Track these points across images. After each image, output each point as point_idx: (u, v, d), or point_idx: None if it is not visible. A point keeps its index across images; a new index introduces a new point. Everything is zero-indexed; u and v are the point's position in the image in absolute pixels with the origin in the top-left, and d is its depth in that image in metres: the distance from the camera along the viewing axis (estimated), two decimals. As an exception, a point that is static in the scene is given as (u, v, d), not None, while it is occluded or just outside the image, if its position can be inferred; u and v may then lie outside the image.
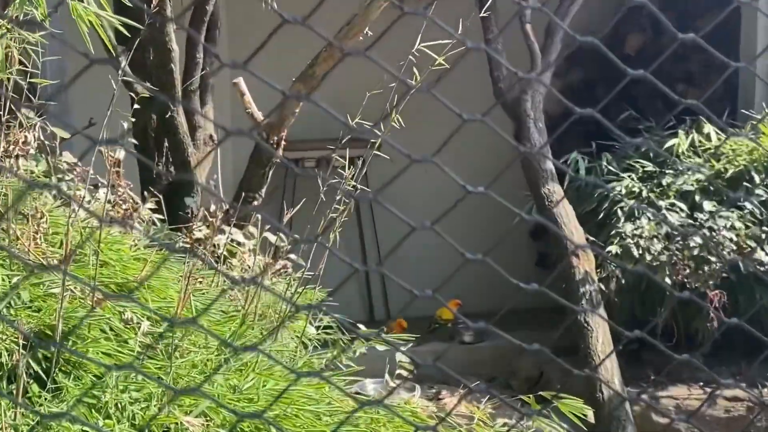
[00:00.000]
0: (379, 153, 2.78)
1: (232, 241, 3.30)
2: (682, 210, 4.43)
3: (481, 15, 3.89)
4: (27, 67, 2.18)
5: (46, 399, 1.93)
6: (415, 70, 3.04)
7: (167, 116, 3.74)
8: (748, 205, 4.39)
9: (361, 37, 3.54)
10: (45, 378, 1.97)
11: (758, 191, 4.43)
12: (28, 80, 2.15)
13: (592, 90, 5.57)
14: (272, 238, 3.41)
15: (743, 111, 4.94)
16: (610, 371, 4.16)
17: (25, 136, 2.04)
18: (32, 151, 2.19)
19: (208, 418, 1.98)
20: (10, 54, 2.00)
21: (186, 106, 3.80)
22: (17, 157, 2.05)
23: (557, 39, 4.87)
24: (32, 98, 2.58)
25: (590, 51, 5.86)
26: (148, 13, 3.06)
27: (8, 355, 1.94)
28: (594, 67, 5.63)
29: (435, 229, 0.91)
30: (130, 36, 3.24)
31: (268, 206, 4.71)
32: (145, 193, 3.56)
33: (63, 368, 2.00)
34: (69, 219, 2.08)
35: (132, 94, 3.38)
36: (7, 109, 2.05)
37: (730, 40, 5.36)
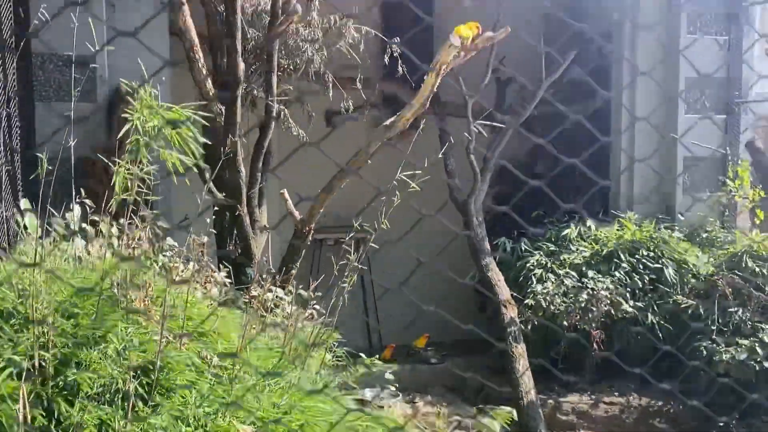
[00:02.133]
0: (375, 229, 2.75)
1: (277, 296, 3.26)
2: (574, 276, 4.40)
3: (442, 153, 3.93)
4: (142, 188, 2.18)
5: (147, 412, 1.88)
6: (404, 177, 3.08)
7: (236, 214, 3.74)
8: (617, 274, 4.37)
9: (365, 163, 3.58)
10: (147, 398, 1.92)
11: (623, 264, 4.41)
12: (143, 198, 2.15)
13: (514, 197, 5.59)
14: (304, 293, 3.37)
15: (612, 211, 4.96)
16: (528, 384, 4.08)
17: (140, 235, 2.03)
18: (144, 244, 2.17)
19: (257, 426, 1.92)
20: (129, 182, 2.01)
21: (248, 208, 3.79)
22: (134, 248, 2.04)
23: (491, 164, 4.92)
24: (146, 207, 2.58)
25: (511, 171, 5.97)
26: (224, 146, 3.09)
27: (122, 381, 1.89)
28: (515, 182, 5.67)
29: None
30: (212, 157, 3.27)
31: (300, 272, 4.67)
32: (220, 265, 3.54)
33: (159, 391, 1.95)
34: (167, 288, 2.05)
35: (214, 200, 3.39)
36: (128, 215, 2.05)
37: (602, 164, 5.42)
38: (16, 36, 3.72)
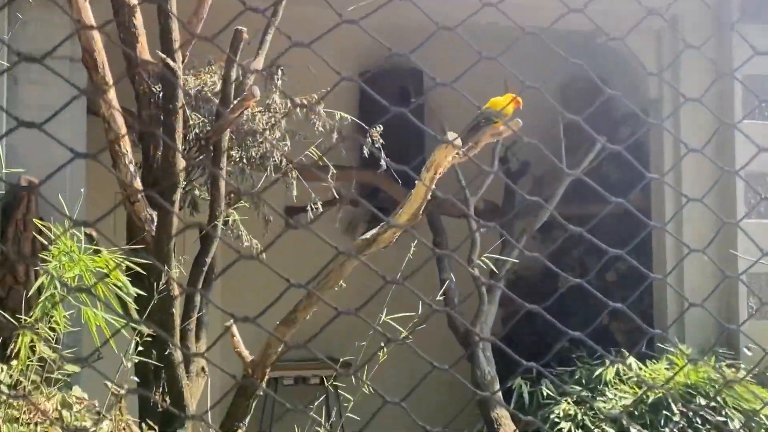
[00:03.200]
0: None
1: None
2: (612, 433, 4.37)
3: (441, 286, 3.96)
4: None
5: None
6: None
7: (166, 352, 3.69)
8: (667, 430, 4.34)
9: (336, 288, 3.60)
10: None
11: (675, 418, 4.39)
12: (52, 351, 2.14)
13: (531, 318, 5.62)
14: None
15: (659, 344, 4.99)
16: None
17: (45, 407, 2.01)
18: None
19: None
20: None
21: (182, 344, 3.75)
22: (37, 423, 2.01)
23: (502, 274, 4.96)
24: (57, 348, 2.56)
25: (528, 286, 6.03)
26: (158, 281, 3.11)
27: None
28: (531, 300, 5.72)
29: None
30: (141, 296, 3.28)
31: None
32: (143, 424, 3.46)
33: None
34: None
35: (137, 338, 3.36)
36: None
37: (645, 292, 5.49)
38: None
